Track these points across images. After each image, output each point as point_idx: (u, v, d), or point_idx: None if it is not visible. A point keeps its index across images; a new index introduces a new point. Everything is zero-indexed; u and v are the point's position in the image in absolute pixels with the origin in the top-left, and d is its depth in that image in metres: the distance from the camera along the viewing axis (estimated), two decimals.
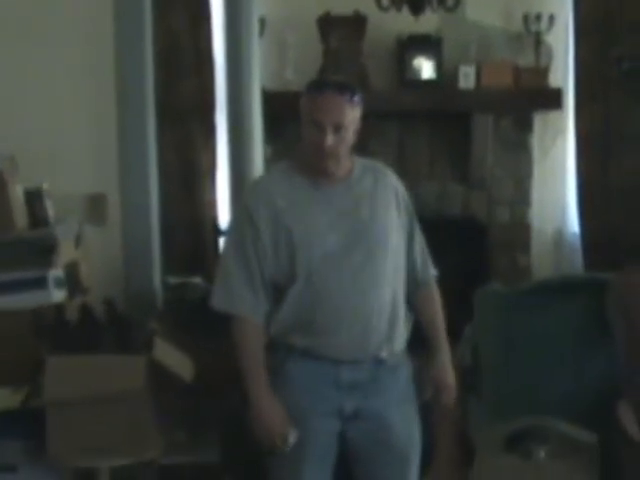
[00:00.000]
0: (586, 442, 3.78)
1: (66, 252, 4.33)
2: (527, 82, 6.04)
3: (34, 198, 4.40)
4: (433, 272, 3.17)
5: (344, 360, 2.89)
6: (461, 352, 4.53)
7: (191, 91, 5.66)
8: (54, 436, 3.69)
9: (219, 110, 5.69)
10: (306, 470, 2.91)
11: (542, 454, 3.71)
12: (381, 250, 2.94)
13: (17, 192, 4.31)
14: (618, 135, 5.97)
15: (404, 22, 5.73)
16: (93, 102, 4.87)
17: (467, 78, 6.03)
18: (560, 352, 4.10)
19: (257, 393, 2.85)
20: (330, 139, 2.82)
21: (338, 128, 2.82)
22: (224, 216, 5.79)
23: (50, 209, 4.46)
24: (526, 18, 5.97)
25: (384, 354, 2.94)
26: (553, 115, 6.16)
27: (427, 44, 6.03)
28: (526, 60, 6.09)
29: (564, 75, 6.11)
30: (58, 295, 4.14)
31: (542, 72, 6.04)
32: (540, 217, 6.27)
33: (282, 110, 5.82)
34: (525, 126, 6.21)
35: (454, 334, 4.63)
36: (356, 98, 2.85)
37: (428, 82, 6.08)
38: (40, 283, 4.09)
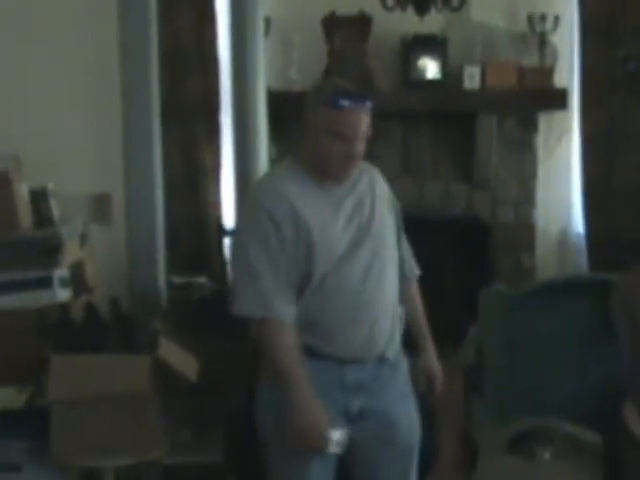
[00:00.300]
0: (590, 443, 3.78)
1: (71, 252, 4.33)
2: (532, 82, 6.04)
3: (39, 198, 4.40)
4: (417, 271, 3.19)
5: (349, 360, 2.88)
6: (465, 352, 4.53)
7: (196, 91, 5.67)
8: (58, 436, 3.69)
9: (224, 110, 5.70)
10: (312, 471, 2.91)
11: (546, 455, 3.70)
12: (383, 248, 2.96)
13: (22, 192, 4.31)
14: (623, 135, 5.97)
15: (409, 22, 5.74)
16: (98, 102, 4.86)
17: (472, 78, 6.03)
18: (564, 353, 4.09)
19: (300, 395, 2.80)
20: (358, 150, 2.85)
21: (361, 137, 2.85)
22: (229, 216, 5.79)
23: (55, 209, 4.46)
24: (531, 18, 5.98)
25: (389, 353, 2.95)
26: (558, 115, 6.16)
27: (432, 44, 6.04)
28: (531, 60, 6.09)
29: (569, 75, 6.12)
30: (63, 294, 4.14)
31: (547, 72, 6.05)
32: (545, 217, 6.28)
33: (287, 110, 5.83)
34: (530, 126, 6.21)
35: (458, 334, 4.65)
36: (370, 104, 2.87)
37: (433, 82, 6.09)
38: (45, 283, 4.10)
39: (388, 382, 2.96)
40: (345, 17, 5.97)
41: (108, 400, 3.65)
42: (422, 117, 6.14)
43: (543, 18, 5.95)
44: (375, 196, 2.99)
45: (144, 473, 3.85)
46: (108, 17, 4.76)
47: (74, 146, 4.82)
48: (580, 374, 4.06)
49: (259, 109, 5.22)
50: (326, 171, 2.89)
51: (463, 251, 6.44)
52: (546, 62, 6.06)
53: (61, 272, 4.16)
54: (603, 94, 5.95)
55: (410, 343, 3.14)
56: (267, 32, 5.70)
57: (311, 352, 2.87)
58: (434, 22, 5.86)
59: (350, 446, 2.91)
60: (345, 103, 2.81)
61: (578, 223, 6.21)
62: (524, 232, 6.26)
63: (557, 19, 5.96)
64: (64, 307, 4.07)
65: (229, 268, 5.76)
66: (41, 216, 4.40)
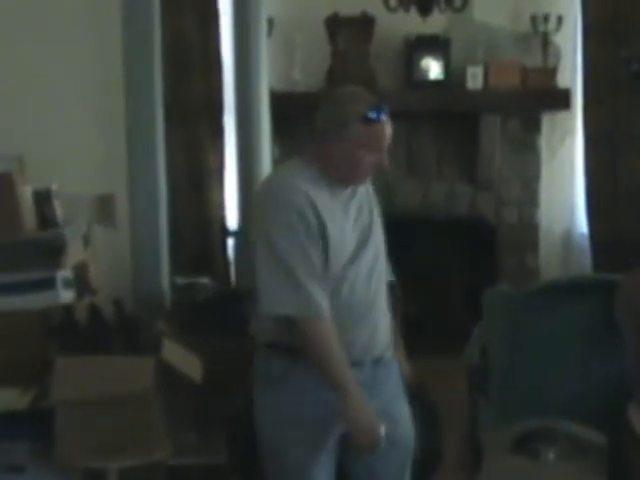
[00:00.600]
0: (595, 443, 3.77)
1: (75, 253, 4.33)
2: (535, 82, 6.04)
3: (43, 199, 4.41)
4: (391, 277, 3.18)
5: (351, 362, 2.88)
6: (469, 353, 4.53)
7: (199, 91, 5.67)
8: (62, 437, 3.70)
9: (227, 111, 5.70)
10: (315, 475, 2.91)
11: (550, 455, 3.70)
12: (380, 251, 2.99)
13: (26, 193, 4.32)
14: (627, 135, 5.97)
15: (412, 23, 5.74)
16: (101, 103, 4.86)
17: (475, 79, 6.03)
18: (568, 353, 4.09)
19: (354, 392, 2.79)
20: (386, 159, 2.90)
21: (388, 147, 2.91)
22: (232, 217, 5.79)
23: (59, 210, 4.46)
24: (534, 19, 5.97)
25: (386, 354, 2.97)
26: (561, 115, 6.16)
27: (435, 45, 6.04)
28: (534, 60, 6.09)
29: (572, 75, 6.11)
30: (66, 296, 4.14)
31: (550, 72, 6.04)
32: (548, 218, 6.27)
33: (290, 110, 5.85)
34: (533, 126, 6.21)
35: (463, 334, 4.65)
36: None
37: (436, 83, 6.09)
38: (49, 284, 4.10)
39: (384, 382, 2.97)
40: (348, 18, 5.97)
41: (112, 401, 3.65)
42: (426, 117, 6.14)
43: (546, 18, 5.95)
44: (371, 201, 3.02)
45: (148, 474, 3.84)
46: (111, 18, 4.76)
47: (78, 147, 4.82)
48: (584, 374, 4.05)
49: (262, 110, 5.22)
50: (350, 179, 2.91)
51: (468, 251, 6.44)
52: (549, 62, 6.06)
53: (64, 273, 4.16)
54: (606, 94, 5.95)
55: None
56: (270, 33, 5.71)
57: None
58: (437, 22, 5.86)
59: (349, 446, 2.91)
60: (379, 117, 2.85)
61: (582, 223, 6.21)
62: (528, 232, 6.26)
63: (560, 19, 5.96)
64: (68, 308, 4.07)
65: (232, 268, 5.79)
66: (45, 217, 4.40)
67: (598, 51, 5.94)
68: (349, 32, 5.99)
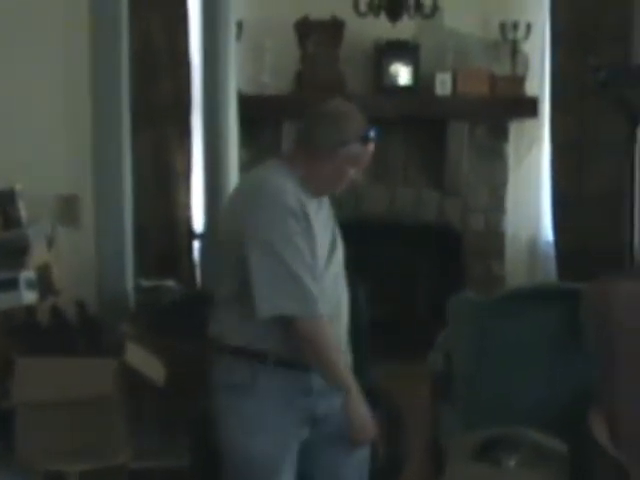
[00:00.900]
0: (556, 451, 3.79)
1: (38, 254, 4.30)
2: (503, 90, 6.06)
3: (6, 199, 4.38)
4: None
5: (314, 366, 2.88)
6: (433, 359, 4.53)
7: (167, 93, 5.64)
8: (23, 439, 3.67)
9: (195, 112, 5.68)
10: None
11: (512, 463, 3.70)
12: (343, 258, 3.01)
13: None
14: (593, 144, 6.00)
15: (382, 28, 5.74)
16: (67, 103, 4.84)
17: (443, 85, 6.04)
18: (533, 360, 4.09)
19: (355, 389, 2.83)
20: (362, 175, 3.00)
21: None
22: (199, 219, 5.77)
23: (22, 210, 4.43)
24: (503, 26, 5.99)
25: (349, 357, 2.99)
26: (529, 123, 6.18)
27: (404, 50, 6.04)
28: (502, 68, 6.11)
29: (540, 84, 6.14)
30: (29, 297, 4.12)
31: (518, 80, 6.07)
32: (515, 225, 6.29)
33: (258, 114, 5.84)
34: (500, 134, 6.23)
35: (428, 340, 4.65)
36: None
37: (405, 88, 6.09)
38: (11, 284, 4.07)
39: None
40: (318, 22, 5.97)
41: (74, 404, 3.63)
42: (394, 123, 6.13)
43: (515, 26, 5.97)
44: (330, 209, 3.03)
45: (109, 478, 3.82)
46: (78, 18, 4.73)
47: (42, 147, 4.79)
48: (549, 381, 4.07)
49: (230, 112, 5.20)
50: (327, 191, 2.96)
51: (435, 258, 6.45)
52: (518, 70, 6.08)
53: (28, 274, 4.13)
54: (573, 103, 5.97)
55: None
56: (239, 36, 5.69)
57: (279, 361, 2.85)
58: (407, 28, 5.87)
59: (312, 450, 2.91)
60: (374, 136, 2.91)
61: (548, 231, 6.23)
62: (494, 239, 6.28)
63: (529, 27, 5.98)
64: (30, 309, 4.05)
65: (198, 271, 5.76)
66: (8, 218, 4.37)
67: (566, 59, 5.96)
68: (319, 36, 5.99)
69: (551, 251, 6.17)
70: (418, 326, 6.10)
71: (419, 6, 5.64)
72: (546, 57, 6.10)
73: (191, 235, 5.79)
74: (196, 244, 5.80)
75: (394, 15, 5.56)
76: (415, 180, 6.29)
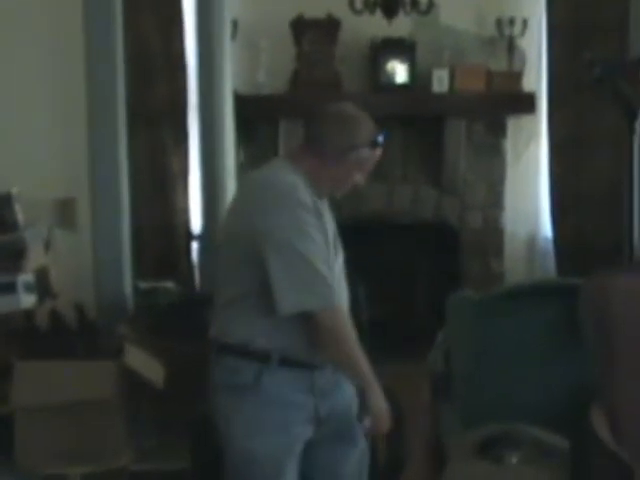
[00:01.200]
0: (558, 447, 3.78)
1: (36, 257, 4.30)
2: (500, 86, 6.05)
3: (3, 203, 4.38)
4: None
5: (317, 364, 2.87)
6: (433, 358, 4.52)
7: (163, 94, 5.63)
8: (23, 443, 3.67)
9: (191, 114, 5.67)
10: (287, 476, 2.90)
11: (514, 460, 3.70)
12: (343, 260, 3.00)
13: None
14: (591, 140, 5.99)
15: (378, 26, 5.74)
16: (63, 105, 4.83)
17: (440, 82, 6.04)
18: (533, 357, 4.09)
19: (375, 381, 2.86)
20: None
21: None
22: (197, 220, 5.76)
23: (19, 214, 4.43)
24: (499, 22, 5.99)
25: None
26: (526, 119, 6.17)
27: (401, 48, 6.03)
28: (499, 64, 6.10)
29: (537, 79, 6.13)
30: (27, 300, 4.11)
31: (515, 76, 6.06)
32: (513, 222, 6.28)
33: (254, 114, 5.83)
34: (498, 130, 6.22)
35: (427, 339, 4.65)
36: None
37: (402, 86, 6.08)
38: (9, 288, 4.07)
39: (343, 383, 2.97)
40: (313, 20, 5.95)
41: (73, 407, 3.63)
42: (391, 121, 6.12)
43: (512, 22, 5.96)
44: (330, 212, 3.02)
45: None
46: (73, 20, 4.73)
47: (39, 150, 4.79)
48: (548, 378, 4.06)
49: (226, 113, 5.20)
50: (330, 193, 2.96)
51: (433, 255, 6.44)
52: (514, 66, 6.07)
53: (25, 277, 4.13)
54: (571, 98, 5.97)
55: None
56: (234, 35, 5.68)
57: (284, 362, 2.84)
58: (403, 25, 5.87)
59: (311, 449, 2.91)
60: (382, 142, 2.91)
61: (546, 227, 6.22)
62: (492, 236, 6.27)
63: (525, 23, 5.97)
64: (29, 313, 4.05)
65: (196, 272, 5.75)
66: (5, 221, 4.37)
67: (563, 54, 5.96)
68: (314, 34, 5.97)
69: (550, 247, 6.16)
70: (417, 325, 6.10)
71: (415, 3, 5.64)
72: (543, 53, 6.10)
73: (189, 236, 5.78)
74: (194, 245, 5.79)
75: (390, 12, 5.57)
76: (413, 178, 6.28)
